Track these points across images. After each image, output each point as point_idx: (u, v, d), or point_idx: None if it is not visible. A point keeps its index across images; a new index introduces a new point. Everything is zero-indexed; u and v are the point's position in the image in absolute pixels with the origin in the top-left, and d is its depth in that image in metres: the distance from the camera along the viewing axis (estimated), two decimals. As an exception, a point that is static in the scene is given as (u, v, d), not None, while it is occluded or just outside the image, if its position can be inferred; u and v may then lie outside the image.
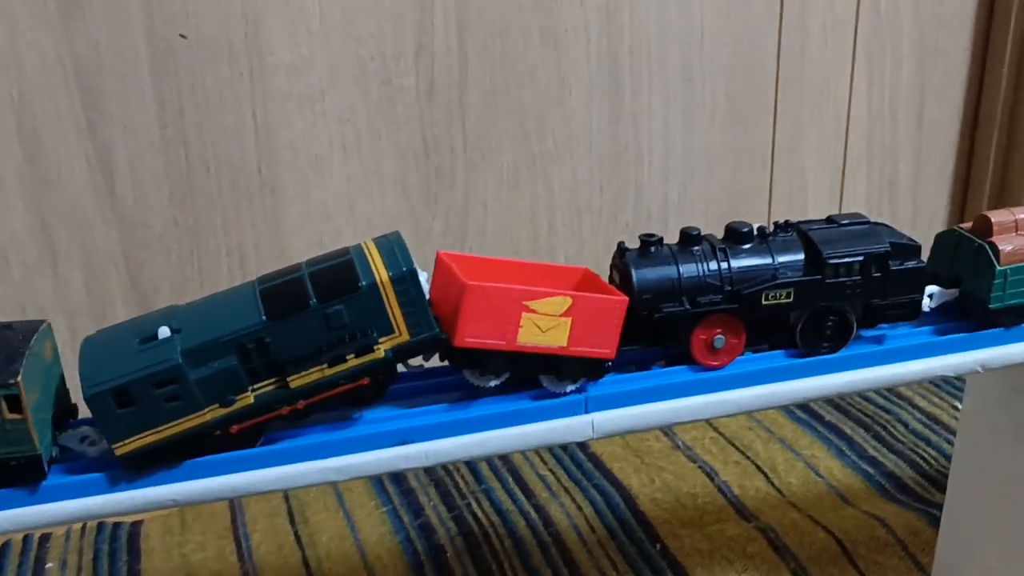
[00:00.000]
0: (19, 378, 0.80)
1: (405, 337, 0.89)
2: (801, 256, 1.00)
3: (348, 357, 0.87)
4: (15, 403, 0.81)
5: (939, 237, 1.12)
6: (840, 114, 1.95)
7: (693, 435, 1.78)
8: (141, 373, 0.83)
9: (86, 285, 1.53)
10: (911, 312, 1.03)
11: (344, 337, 0.87)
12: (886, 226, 1.05)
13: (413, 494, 1.64)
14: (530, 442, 0.95)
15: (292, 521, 1.59)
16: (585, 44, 1.71)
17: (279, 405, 0.88)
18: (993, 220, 1.05)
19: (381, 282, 0.86)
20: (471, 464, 1.71)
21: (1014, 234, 1.05)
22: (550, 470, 1.70)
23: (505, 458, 1.72)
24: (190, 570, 1.48)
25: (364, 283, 0.86)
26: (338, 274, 0.87)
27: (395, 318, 0.88)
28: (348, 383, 0.88)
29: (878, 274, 1.00)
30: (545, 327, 0.91)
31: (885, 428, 1.78)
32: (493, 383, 0.94)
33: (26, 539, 1.54)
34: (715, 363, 1.00)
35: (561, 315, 0.91)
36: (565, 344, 0.92)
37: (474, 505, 1.60)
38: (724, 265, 0.99)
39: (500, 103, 1.69)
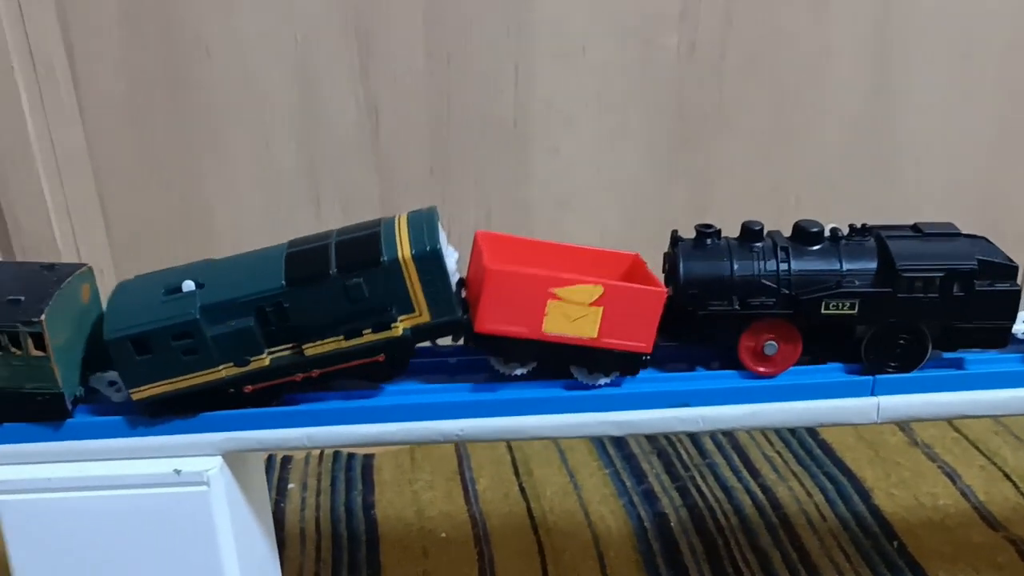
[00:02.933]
0: (42, 317, 0.83)
1: (426, 318, 0.86)
2: (873, 265, 0.91)
3: (365, 331, 0.85)
4: (39, 341, 0.84)
5: None
6: None
7: (932, 433, 1.69)
8: (160, 324, 0.84)
9: (344, 224, 1.59)
10: (997, 339, 0.91)
11: (362, 311, 0.84)
12: (984, 240, 0.93)
13: (635, 460, 1.64)
14: (812, 418, 0.92)
15: (516, 472, 1.61)
16: (854, 13, 1.62)
17: (294, 371, 0.87)
18: None
19: (403, 259, 0.83)
20: (695, 438, 1.69)
21: None
22: (777, 452, 1.65)
23: (730, 434, 1.69)
24: (420, 506, 1.53)
25: (385, 258, 0.83)
26: (362, 246, 0.85)
27: (416, 297, 0.85)
28: (364, 357, 0.86)
29: (961, 294, 0.89)
30: (574, 316, 0.86)
31: None
32: (519, 371, 0.90)
33: (269, 459, 1.64)
34: (764, 370, 0.92)
35: (591, 304, 0.86)
36: (595, 335, 0.87)
37: (698, 478, 1.58)
38: (784, 266, 0.90)
39: (759, 70, 1.63)
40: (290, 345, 0.86)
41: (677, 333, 0.92)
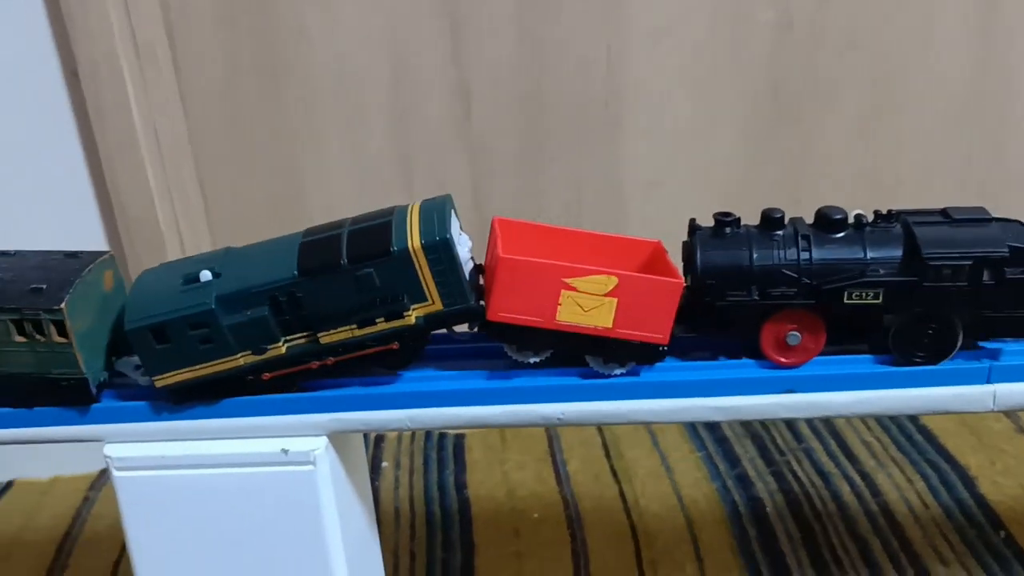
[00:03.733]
0: (63, 305, 0.85)
1: (438, 306, 0.85)
2: (899, 252, 0.86)
3: (378, 320, 0.85)
4: (61, 327, 0.85)
5: None
6: None
7: (1039, 420, 1.63)
8: (176, 314, 0.85)
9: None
10: None
11: (375, 300, 0.84)
12: (1018, 224, 0.88)
13: (728, 443, 1.62)
14: (921, 406, 0.89)
15: (607, 454, 1.61)
16: (962, -17, 1.57)
17: (309, 359, 0.87)
18: None
19: (413, 249, 0.82)
20: (790, 422, 1.66)
21: None
22: (876, 438, 1.61)
23: (827, 420, 1.66)
24: (511, 487, 1.54)
25: (395, 248, 0.83)
26: (372, 236, 0.84)
27: (427, 286, 0.84)
28: (378, 345, 0.86)
29: (991, 282, 0.85)
30: (588, 306, 0.84)
31: None
32: (532, 359, 0.89)
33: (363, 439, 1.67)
34: (786, 361, 0.88)
35: (605, 295, 0.84)
36: (610, 325, 0.85)
37: (793, 463, 1.55)
38: (805, 255, 0.87)
39: (858, 44, 1.58)
40: (305, 334, 0.87)
41: (696, 323, 0.90)
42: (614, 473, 1.56)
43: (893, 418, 1.64)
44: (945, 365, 0.89)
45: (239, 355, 0.87)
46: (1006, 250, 0.85)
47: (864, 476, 1.51)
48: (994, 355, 0.89)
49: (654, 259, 0.92)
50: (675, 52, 1.56)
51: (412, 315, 0.85)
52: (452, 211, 0.87)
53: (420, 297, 0.85)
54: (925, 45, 1.60)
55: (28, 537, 1.50)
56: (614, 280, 0.84)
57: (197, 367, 0.87)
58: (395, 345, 0.86)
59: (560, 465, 1.59)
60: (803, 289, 0.87)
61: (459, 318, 0.87)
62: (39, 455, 1.63)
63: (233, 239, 1.60)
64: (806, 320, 0.88)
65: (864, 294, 0.86)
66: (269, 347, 0.87)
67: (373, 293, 0.84)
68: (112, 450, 0.91)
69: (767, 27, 1.55)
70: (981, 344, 0.90)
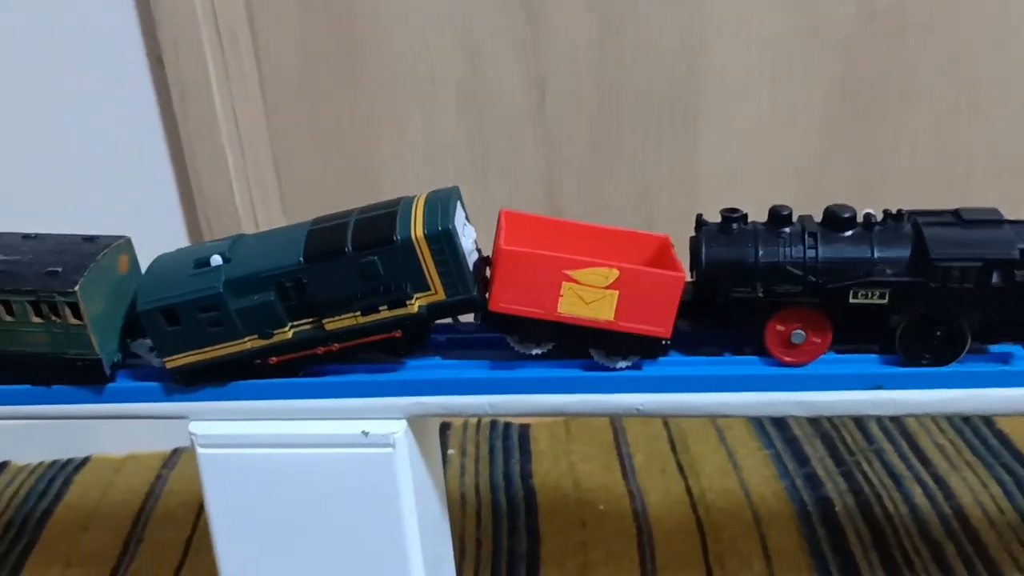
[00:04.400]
0: (77, 288, 0.87)
1: (441, 296, 0.86)
2: (907, 253, 0.85)
3: (381, 308, 0.85)
4: (76, 310, 0.88)
5: None
6: None
7: (1122, 428, 1.58)
8: (186, 297, 0.87)
9: (508, 197, 1.61)
10: None
11: (378, 288, 0.85)
12: None
13: (797, 442, 1.60)
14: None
15: (673, 448, 1.60)
16: (1052, -24, 1.52)
17: (315, 344, 0.88)
18: None
19: (416, 238, 0.83)
20: (860, 422, 1.63)
21: None
22: (949, 440, 1.58)
23: (898, 420, 1.63)
24: (577, 478, 1.54)
25: (398, 237, 0.83)
26: (377, 225, 0.85)
27: (430, 276, 0.85)
28: (381, 333, 0.87)
29: (1000, 285, 0.83)
30: (589, 299, 0.84)
31: None
32: (535, 351, 0.89)
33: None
34: (791, 360, 0.87)
35: (606, 287, 0.84)
36: (612, 318, 0.85)
37: (864, 464, 1.53)
38: (811, 252, 0.85)
39: (940, 36, 1.54)
40: (311, 319, 0.88)
41: (702, 319, 0.90)
42: (680, 468, 1.55)
43: (967, 420, 1.61)
44: (1036, 364, 0.87)
45: (246, 339, 0.89)
46: (1016, 253, 0.84)
47: (937, 479, 1.48)
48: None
49: (660, 253, 0.92)
50: (754, 44, 1.54)
51: (415, 304, 0.86)
52: (458, 202, 0.88)
53: (423, 286, 0.86)
54: (1011, 42, 1.56)
55: (104, 510, 1.54)
56: (615, 273, 0.84)
57: (206, 349, 0.89)
58: (398, 333, 0.88)
59: (626, 458, 1.58)
60: (808, 287, 0.86)
61: (461, 308, 0.88)
62: (115, 432, 1.67)
63: (307, 224, 1.63)
64: (811, 318, 0.87)
65: (870, 294, 0.85)
66: (275, 332, 0.89)
67: (377, 281, 0.86)
68: (197, 427, 0.93)
69: (848, 19, 1.52)
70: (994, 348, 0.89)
